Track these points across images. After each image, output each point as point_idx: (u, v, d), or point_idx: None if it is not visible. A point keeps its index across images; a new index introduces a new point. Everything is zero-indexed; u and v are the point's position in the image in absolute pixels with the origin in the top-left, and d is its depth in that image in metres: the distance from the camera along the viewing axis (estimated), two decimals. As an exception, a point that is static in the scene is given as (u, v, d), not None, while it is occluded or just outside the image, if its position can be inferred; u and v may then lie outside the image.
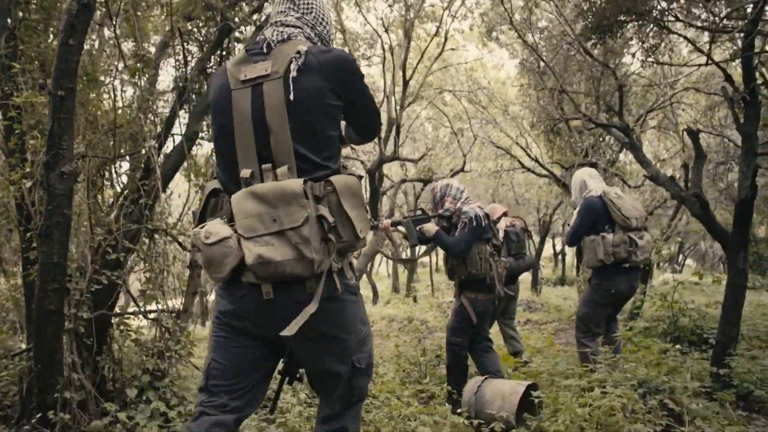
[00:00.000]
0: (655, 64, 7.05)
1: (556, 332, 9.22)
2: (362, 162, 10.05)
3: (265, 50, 1.86)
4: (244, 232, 1.67)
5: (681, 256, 25.15)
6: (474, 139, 12.37)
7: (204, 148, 4.94)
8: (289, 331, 1.66)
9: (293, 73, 1.76)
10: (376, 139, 9.24)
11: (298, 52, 1.79)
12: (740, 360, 4.43)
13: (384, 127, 9.48)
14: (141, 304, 3.89)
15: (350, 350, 1.91)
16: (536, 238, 19.54)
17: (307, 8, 1.99)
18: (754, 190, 4.14)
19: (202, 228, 1.73)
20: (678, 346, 4.99)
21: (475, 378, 4.13)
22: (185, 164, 4.33)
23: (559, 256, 27.07)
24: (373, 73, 13.23)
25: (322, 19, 2.02)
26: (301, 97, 1.76)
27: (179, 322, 4.00)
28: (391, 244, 5.98)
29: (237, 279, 1.74)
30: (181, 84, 4.48)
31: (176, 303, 4.24)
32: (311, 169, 1.78)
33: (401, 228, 4.09)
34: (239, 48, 4.61)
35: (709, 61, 4.87)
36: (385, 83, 9.07)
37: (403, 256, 18.86)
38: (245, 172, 1.77)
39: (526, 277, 20.60)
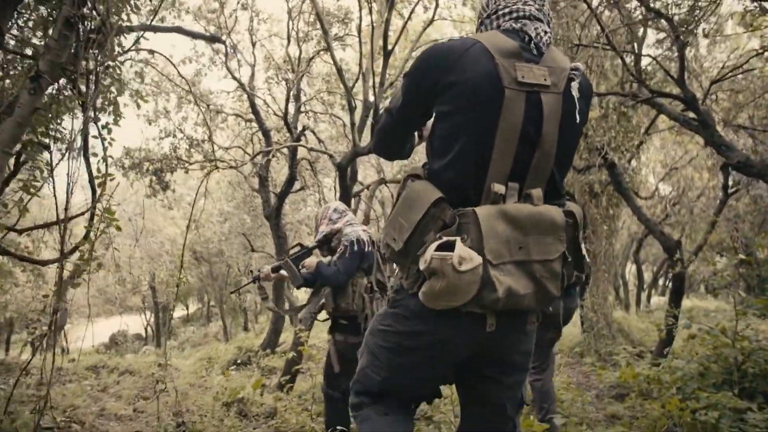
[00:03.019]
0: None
1: (559, 366, 7.93)
2: (331, 155, 8.18)
3: (535, 51, 1.71)
4: (493, 258, 1.55)
5: (663, 278, 23.83)
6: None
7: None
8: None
9: (575, 93, 1.68)
10: (349, 126, 7.51)
11: (577, 69, 1.72)
12: None
13: (358, 112, 7.71)
14: None
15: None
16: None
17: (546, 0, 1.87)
18: None
19: (440, 249, 1.52)
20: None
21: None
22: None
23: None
24: (348, 59, 11.50)
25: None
26: (573, 119, 1.69)
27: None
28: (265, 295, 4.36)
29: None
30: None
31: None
32: (556, 196, 1.74)
33: (284, 272, 3.80)
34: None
35: None
36: (361, 56, 7.24)
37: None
38: (498, 187, 1.62)
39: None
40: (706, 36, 5.62)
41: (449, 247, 1.52)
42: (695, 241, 12.55)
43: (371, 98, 7.41)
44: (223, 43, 5.20)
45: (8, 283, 15.88)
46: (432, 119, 1.81)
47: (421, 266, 1.55)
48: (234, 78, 9.49)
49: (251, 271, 3.95)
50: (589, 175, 9.23)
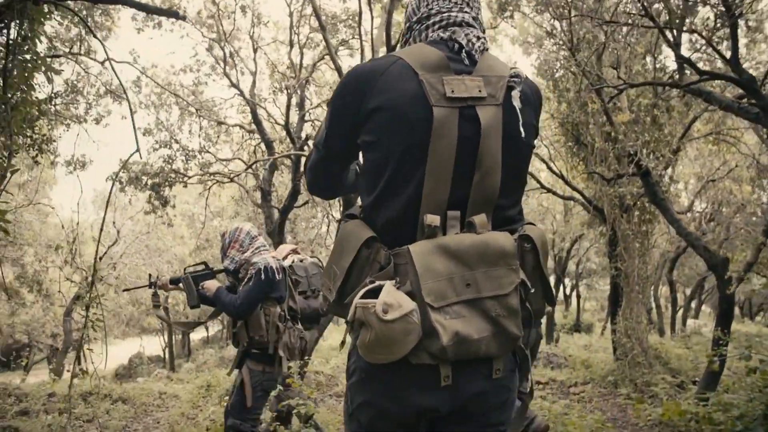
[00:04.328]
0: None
1: (591, 399, 7.61)
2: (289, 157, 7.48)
3: (466, 61, 1.53)
4: (434, 300, 1.36)
5: (697, 301, 22.82)
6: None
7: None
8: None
9: (517, 103, 1.50)
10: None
11: (517, 76, 1.54)
12: None
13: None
14: None
15: None
16: (550, 278, 17.32)
17: (478, 6, 1.70)
18: None
19: (365, 296, 1.37)
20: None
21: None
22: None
23: (571, 299, 25.10)
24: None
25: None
26: (517, 133, 1.51)
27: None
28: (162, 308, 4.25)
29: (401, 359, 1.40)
30: None
31: None
32: (508, 220, 1.55)
33: (182, 285, 3.73)
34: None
35: None
36: (362, 58, 6.58)
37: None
38: (432, 219, 1.43)
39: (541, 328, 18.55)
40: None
41: (378, 291, 1.36)
42: (735, 261, 11.60)
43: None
44: (183, 18, 4.64)
45: (17, 304, 15.61)
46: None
47: (348, 317, 1.40)
48: (233, 85, 8.95)
49: (150, 275, 3.84)
50: (618, 187, 8.47)
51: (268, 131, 10.05)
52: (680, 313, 19.77)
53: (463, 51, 1.53)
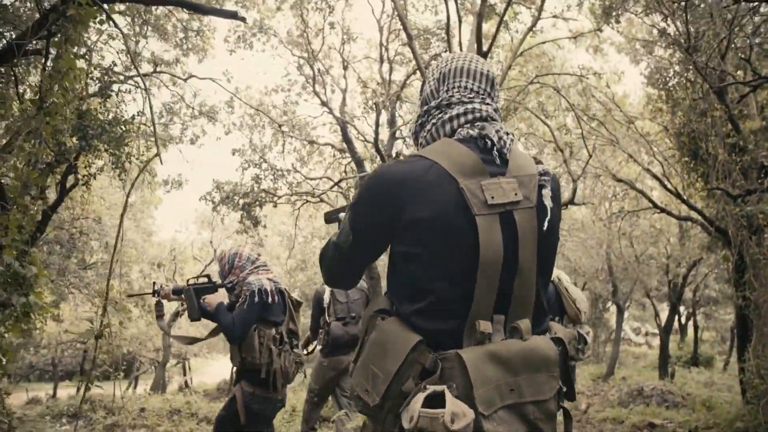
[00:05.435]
0: None
1: None
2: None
3: (498, 160, 1.52)
4: (485, 408, 1.36)
5: None
6: (587, 160, 9.01)
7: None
8: None
9: (548, 203, 1.52)
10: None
11: (546, 173, 1.57)
12: None
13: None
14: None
15: None
16: (663, 306, 15.97)
17: (498, 96, 1.71)
18: None
19: (426, 402, 1.34)
20: None
21: None
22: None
23: (687, 329, 23.01)
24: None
25: None
26: (549, 232, 1.54)
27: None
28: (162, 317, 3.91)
29: None
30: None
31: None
32: (541, 321, 1.59)
33: (183, 297, 3.64)
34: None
35: None
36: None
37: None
38: (486, 326, 1.44)
39: (653, 360, 17.29)
40: None
41: (436, 398, 1.33)
42: None
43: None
44: (243, 20, 4.49)
45: (124, 318, 16.50)
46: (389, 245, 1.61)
47: (405, 424, 1.36)
48: (323, 103, 8.84)
49: (154, 283, 3.79)
50: (746, 205, 7.45)
51: (359, 150, 9.87)
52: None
53: (494, 149, 1.51)
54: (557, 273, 4.08)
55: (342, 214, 2.13)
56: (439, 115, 1.60)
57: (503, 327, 1.47)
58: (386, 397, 1.44)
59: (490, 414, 1.35)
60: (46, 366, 17.61)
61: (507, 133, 1.56)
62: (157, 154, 3.38)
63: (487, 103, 1.61)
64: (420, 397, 1.34)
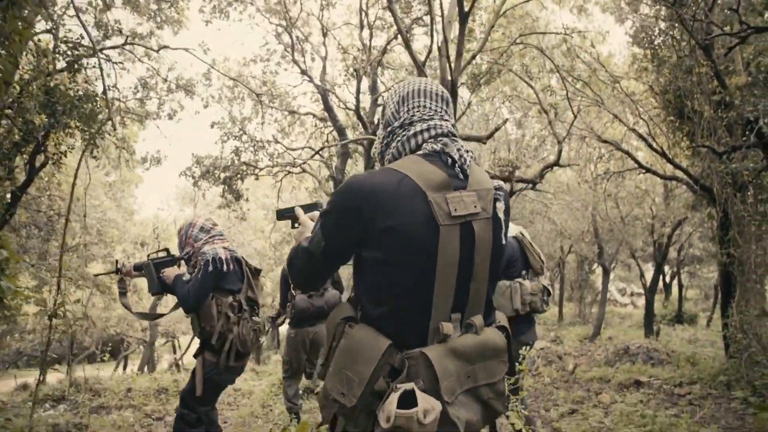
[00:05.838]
0: None
1: (700, 404, 6.65)
2: (360, 143, 6.98)
3: (460, 175, 1.69)
4: (449, 397, 1.56)
5: None
6: (572, 121, 8.92)
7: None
8: None
9: (501, 215, 1.73)
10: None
11: (500, 189, 1.77)
12: None
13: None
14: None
15: None
16: (648, 266, 16.08)
17: (453, 114, 1.89)
18: None
19: (391, 402, 1.49)
20: None
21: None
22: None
23: (671, 288, 23.36)
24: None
25: None
26: (499, 241, 1.74)
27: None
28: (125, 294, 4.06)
29: None
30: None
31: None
32: (490, 314, 1.79)
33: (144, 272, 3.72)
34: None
35: None
36: (432, 30, 5.99)
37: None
38: (447, 327, 1.62)
39: (639, 320, 17.49)
40: None
41: (407, 395, 1.48)
42: None
43: (448, 76, 6.14)
44: None
45: (109, 299, 16.32)
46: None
47: (383, 424, 1.48)
48: (302, 71, 8.62)
49: (116, 261, 3.83)
50: (731, 162, 7.42)
51: (340, 118, 9.69)
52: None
53: (456, 165, 1.66)
54: (519, 229, 4.21)
55: (297, 213, 2.18)
56: (403, 133, 1.73)
57: (460, 323, 1.65)
58: (361, 398, 1.56)
59: (452, 401, 1.53)
60: (34, 352, 17.48)
61: (467, 151, 1.71)
62: (110, 119, 3.21)
63: (446, 119, 1.76)
64: (394, 398, 1.47)
